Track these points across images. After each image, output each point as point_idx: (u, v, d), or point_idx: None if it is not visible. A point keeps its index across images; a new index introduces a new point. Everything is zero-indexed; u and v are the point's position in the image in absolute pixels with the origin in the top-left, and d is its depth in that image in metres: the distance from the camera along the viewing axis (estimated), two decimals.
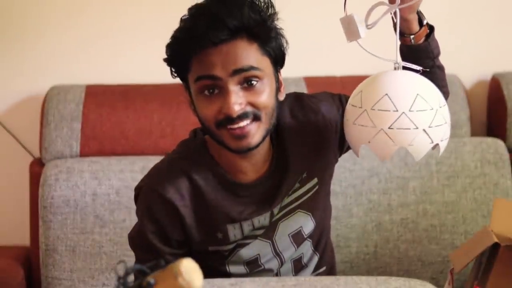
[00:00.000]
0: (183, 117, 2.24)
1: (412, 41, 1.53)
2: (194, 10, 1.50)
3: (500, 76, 2.44)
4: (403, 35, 1.52)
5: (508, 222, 1.49)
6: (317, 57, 2.46)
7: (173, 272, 0.97)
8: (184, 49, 1.49)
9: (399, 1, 1.40)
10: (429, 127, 1.32)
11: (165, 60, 1.54)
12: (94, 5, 2.41)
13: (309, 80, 2.36)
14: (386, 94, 1.32)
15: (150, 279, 0.99)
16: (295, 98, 1.66)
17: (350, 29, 1.39)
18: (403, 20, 1.48)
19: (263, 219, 1.59)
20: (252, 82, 1.48)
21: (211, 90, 1.48)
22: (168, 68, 1.57)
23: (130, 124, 2.27)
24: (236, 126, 1.47)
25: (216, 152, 1.58)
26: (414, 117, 1.31)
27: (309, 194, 1.63)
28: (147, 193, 1.58)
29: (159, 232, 1.57)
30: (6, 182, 2.45)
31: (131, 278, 1.00)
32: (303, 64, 2.44)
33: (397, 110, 1.31)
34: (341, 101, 1.68)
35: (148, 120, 2.27)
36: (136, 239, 1.61)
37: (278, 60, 1.54)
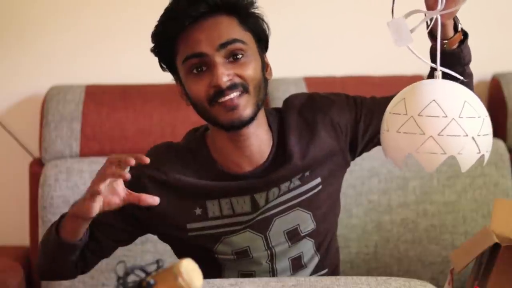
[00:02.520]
0: (182, 117, 2.24)
1: (445, 46, 1.51)
2: None
3: (500, 76, 2.44)
4: (436, 40, 1.50)
5: (508, 222, 1.48)
6: (317, 57, 2.46)
7: (172, 272, 0.97)
8: (168, 30, 1.55)
9: (440, 7, 1.36)
10: (478, 135, 1.28)
11: (152, 50, 1.60)
12: (93, 5, 2.41)
13: (309, 80, 2.35)
14: (434, 100, 1.27)
15: (150, 279, 0.99)
16: (308, 97, 1.69)
17: (399, 33, 1.35)
18: (442, 25, 1.45)
19: (242, 202, 1.61)
20: (238, 55, 1.54)
21: (199, 69, 1.54)
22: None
23: (129, 124, 2.27)
24: (227, 97, 1.52)
25: (212, 144, 1.62)
26: (464, 124, 1.27)
27: (310, 193, 1.63)
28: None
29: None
30: (6, 182, 2.45)
31: (131, 278, 1.00)
32: (303, 64, 2.44)
33: (446, 116, 1.27)
34: (356, 103, 1.68)
35: (148, 120, 2.27)
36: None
37: (261, 38, 1.60)
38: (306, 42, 2.45)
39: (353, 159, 1.70)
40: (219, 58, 1.52)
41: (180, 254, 1.69)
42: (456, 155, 1.27)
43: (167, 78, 1.64)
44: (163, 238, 1.70)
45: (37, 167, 2.28)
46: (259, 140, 1.60)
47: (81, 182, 2.18)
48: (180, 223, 1.62)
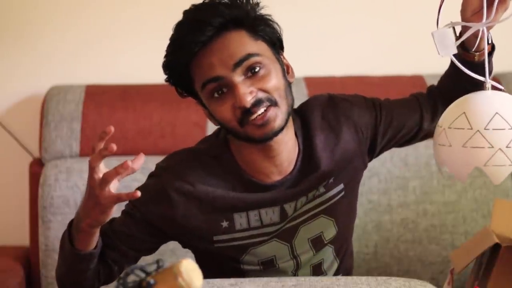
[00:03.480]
0: (182, 117, 2.24)
1: (476, 57, 1.51)
2: (176, 26, 1.52)
3: (500, 76, 2.43)
4: (467, 51, 1.50)
5: (508, 222, 1.48)
6: (317, 57, 2.46)
7: (172, 272, 0.97)
8: (178, 60, 1.51)
9: (486, 20, 1.36)
10: None
11: (166, 80, 1.56)
12: (94, 5, 2.41)
13: (309, 80, 2.35)
14: (497, 113, 1.30)
15: (150, 279, 0.99)
16: (328, 99, 1.66)
17: (444, 43, 1.36)
18: (476, 37, 1.45)
19: (271, 213, 1.59)
20: (255, 69, 1.49)
21: (219, 92, 1.49)
22: None
23: (130, 124, 2.27)
24: (255, 115, 1.47)
25: (237, 151, 1.58)
26: None
27: (334, 200, 1.62)
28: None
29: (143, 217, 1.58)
30: (6, 182, 2.45)
31: (131, 278, 1.00)
32: (303, 64, 2.43)
33: (511, 128, 1.30)
34: (375, 105, 1.67)
35: (148, 120, 2.27)
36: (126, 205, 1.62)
37: (274, 42, 1.55)
38: (306, 42, 2.45)
39: (369, 161, 1.69)
40: (237, 78, 1.47)
41: (204, 262, 1.53)
42: None
43: None
44: (186, 246, 1.66)
45: (37, 167, 2.28)
46: (288, 147, 1.56)
47: (81, 182, 2.18)
48: (206, 235, 1.59)
